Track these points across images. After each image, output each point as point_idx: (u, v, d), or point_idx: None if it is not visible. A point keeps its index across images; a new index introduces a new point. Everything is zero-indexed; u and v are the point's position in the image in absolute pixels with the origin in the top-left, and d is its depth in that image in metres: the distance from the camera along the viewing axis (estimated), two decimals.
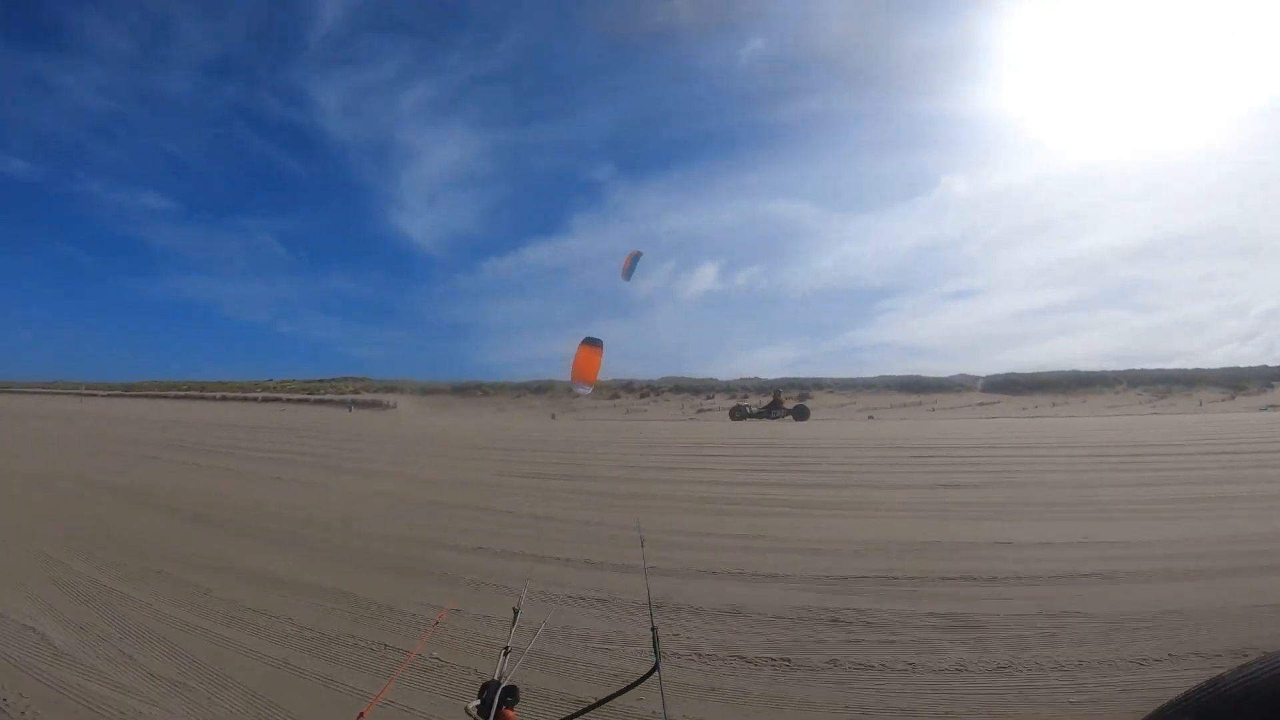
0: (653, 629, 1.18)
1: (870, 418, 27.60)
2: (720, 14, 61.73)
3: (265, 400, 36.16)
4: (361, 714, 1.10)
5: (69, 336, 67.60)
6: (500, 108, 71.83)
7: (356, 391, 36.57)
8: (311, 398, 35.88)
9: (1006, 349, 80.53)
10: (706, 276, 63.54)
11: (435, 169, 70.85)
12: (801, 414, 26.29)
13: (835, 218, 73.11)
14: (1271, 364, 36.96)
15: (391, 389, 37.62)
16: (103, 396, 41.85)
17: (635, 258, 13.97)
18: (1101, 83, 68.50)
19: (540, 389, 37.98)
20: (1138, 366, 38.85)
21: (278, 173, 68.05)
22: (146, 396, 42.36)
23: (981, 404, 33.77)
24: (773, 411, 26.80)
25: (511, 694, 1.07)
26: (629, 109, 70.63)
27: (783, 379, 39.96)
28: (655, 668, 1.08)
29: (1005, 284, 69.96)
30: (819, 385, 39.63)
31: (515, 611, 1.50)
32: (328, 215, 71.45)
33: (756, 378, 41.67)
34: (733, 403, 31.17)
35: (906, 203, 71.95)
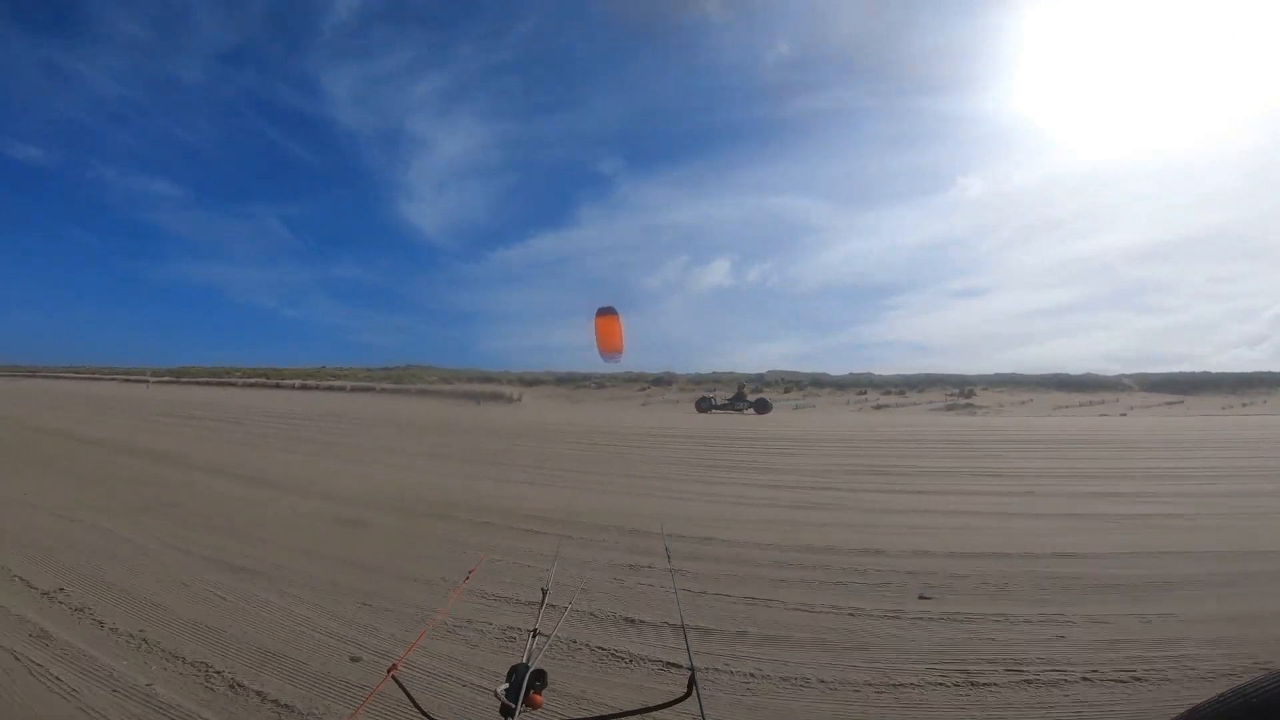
0: (690, 668, 1.06)
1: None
2: (731, 8, 63.12)
3: (354, 390, 39.36)
4: (394, 665, 1.11)
5: (76, 320, 71.97)
6: (509, 99, 74.50)
7: (447, 381, 38.21)
8: (411, 389, 37.48)
9: (1012, 348, 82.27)
10: (718, 271, 65.47)
11: (444, 158, 74.01)
12: (764, 407, 26.65)
13: (843, 213, 74.53)
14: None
15: (487, 379, 39.49)
16: (158, 384, 42.20)
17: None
18: (1114, 82, 69.07)
19: (661, 381, 39.95)
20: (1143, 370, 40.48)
21: (288, 160, 71.70)
22: (202, 383, 43.37)
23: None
24: (736, 403, 26.98)
25: (540, 678, 1.08)
26: (637, 102, 72.62)
27: (807, 373, 41.88)
28: (689, 694, 1.01)
29: (1012, 283, 71.62)
30: (817, 382, 41.71)
31: (543, 592, 1.49)
32: (336, 203, 75.14)
33: (775, 370, 43.98)
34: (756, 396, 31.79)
35: (915, 200, 73.37)
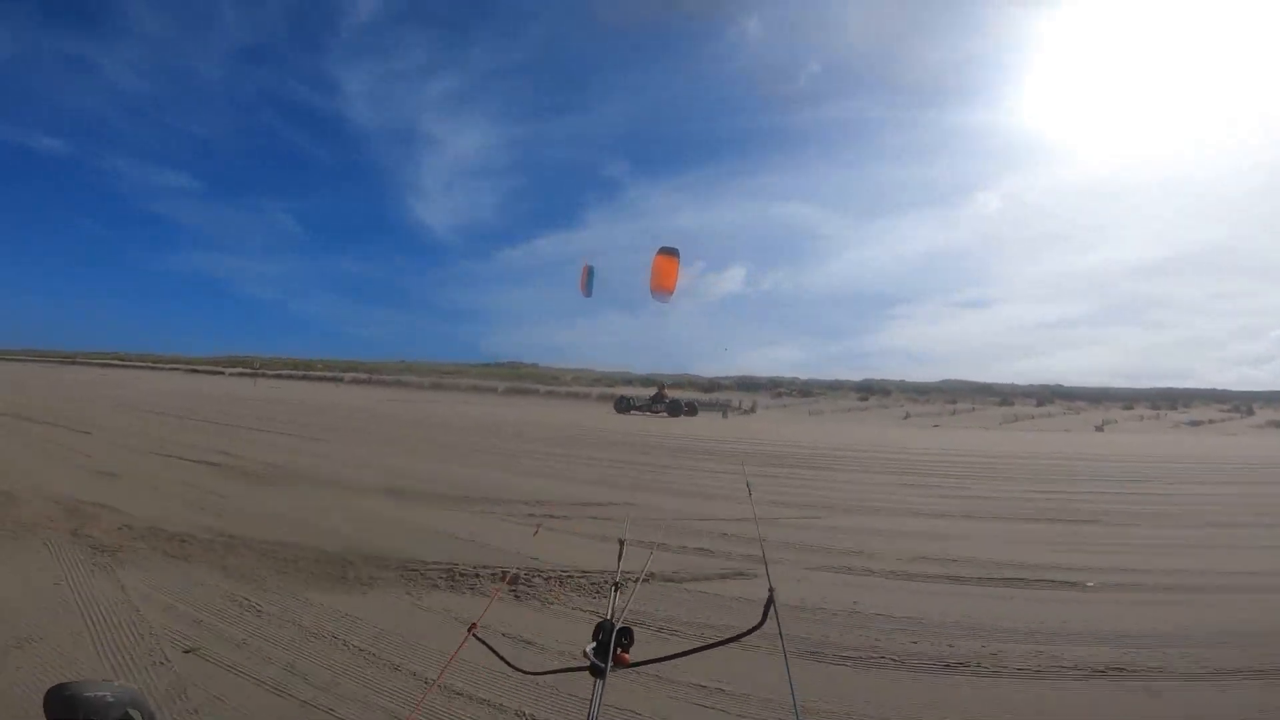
0: (770, 591, 1.04)
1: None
2: (742, 17, 62.46)
3: (434, 388, 40.36)
4: (473, 624, 1.15)
5: (85, 307, 74.55)
6: (520, 100, 75.56)
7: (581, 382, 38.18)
8: (538, 389, 37.54)
9: (1015, 360, 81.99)
10: (734, 279, 65.33)
11: (454, 158, 75.58)
12: (675, 409, 26.02)
13: (848, 222, 74.47)
14: None
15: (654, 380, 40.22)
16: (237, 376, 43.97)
17: (589, 272, 13.65)
18: (1121, 97, 68.44)
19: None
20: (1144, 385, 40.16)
21: (301, 156, 73.96)
22: (295, 378, 44.30)
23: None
24: (654, 404, 26.30)
25: (626, 635, 1.07)
26: (645, 107, 73.14)
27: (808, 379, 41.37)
28: (763, 622, 1.01)
29: (1017, 295, 70.68)
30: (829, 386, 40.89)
31: (621, 543, 1.48)
32: (347, 199, 77.51)
33: (776, 375, 43.44)
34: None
35: (922, 211, 72.94)
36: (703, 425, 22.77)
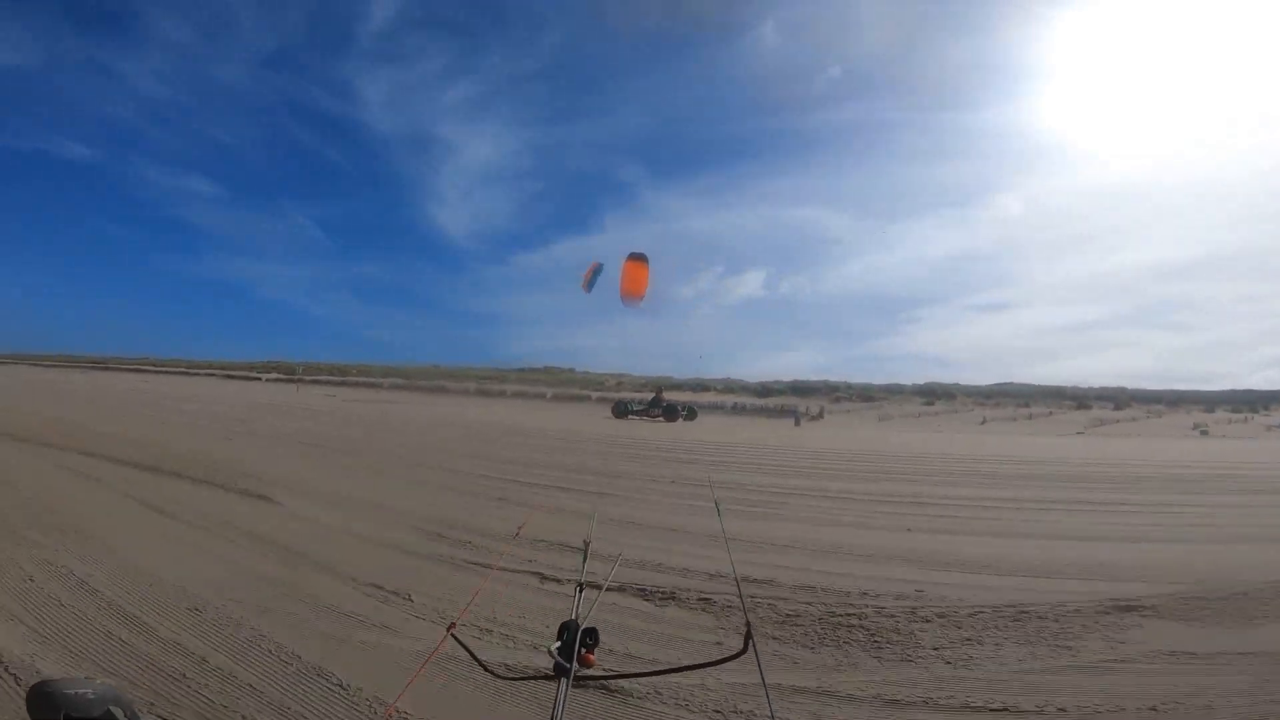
0: (746, 624, 1.03)
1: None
2: (756, 21, 61.61)
3: (479, 394, 39.22)
4: (452, 624, 1.15)
5: (112, 312, 75.68)
6: (536, 106, 75.62)
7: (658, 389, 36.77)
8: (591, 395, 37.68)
9: (1036, 364, 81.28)
10: (752, 282, 64.53)
11: (471, 163, 75.76)
12: (672, 413, 25.59)
13: (865, 226, 73.34)
14: None
15: (703, 385, 38.70)
16: (272, 382, 43.22)
17: (596, 270, 13.73)
18: (1145, 98, 66.00)
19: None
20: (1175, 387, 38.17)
21: (321, 162, 74.85)
22: (326, 382, 43.07)
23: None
24: (651, 408, 25.87)
25: (591, 636, 1.06)
26: (659, 111, 73.13)
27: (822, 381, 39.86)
28: (744, 650, 0.98)
29: (1037, 298, 69.00)
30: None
31: (585, 544, 1.45)
32: (366, 204, 78.07)
33: (795, 379, 41.82)
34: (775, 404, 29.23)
35: (939, 213, 70.98)
36: (789, 433, 21.18)
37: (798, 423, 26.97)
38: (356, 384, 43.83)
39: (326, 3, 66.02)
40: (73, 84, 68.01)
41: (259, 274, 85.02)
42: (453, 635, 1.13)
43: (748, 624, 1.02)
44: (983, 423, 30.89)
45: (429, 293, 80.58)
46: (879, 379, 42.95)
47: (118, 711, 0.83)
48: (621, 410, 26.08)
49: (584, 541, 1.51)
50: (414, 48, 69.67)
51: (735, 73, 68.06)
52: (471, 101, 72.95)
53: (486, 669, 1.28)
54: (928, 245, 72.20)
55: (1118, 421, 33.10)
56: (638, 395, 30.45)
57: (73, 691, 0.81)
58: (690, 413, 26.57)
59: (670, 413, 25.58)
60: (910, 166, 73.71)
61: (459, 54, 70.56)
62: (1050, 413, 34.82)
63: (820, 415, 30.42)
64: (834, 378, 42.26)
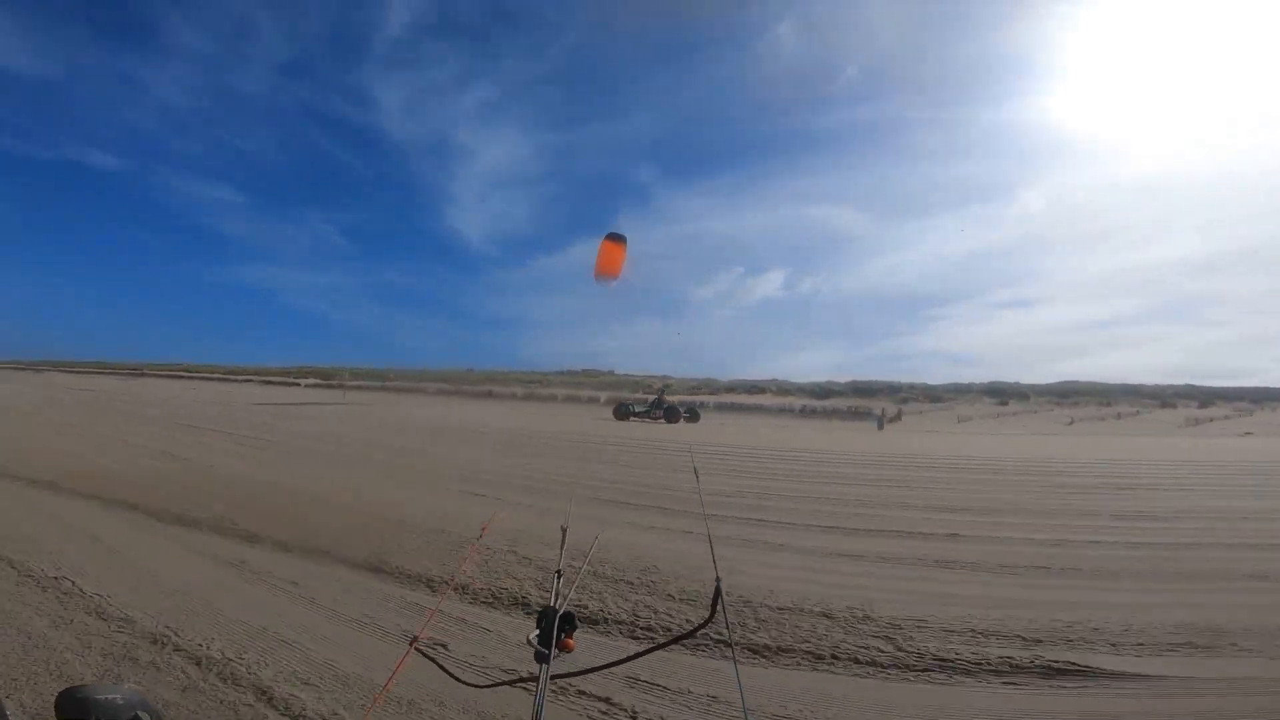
0: (717, 580, 1.02)
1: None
2: (770, 20, 60.45)
3: (529, 398, 38.25)
4: (415, 638, 1.18)
5: (140, 319, 76.64)
6: (551, 109, 75.62)
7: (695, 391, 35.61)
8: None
9: (1060, 360, 79.81)
10: (772, 283, 63.44)
11: (488, 168, 76.02)
12: (673, 415, 25.13)
13: (884, 224, 72.05)
14: None
15: (757, 387, 38.06)
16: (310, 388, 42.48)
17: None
18: (1166, 92, 63.82)
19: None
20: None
21: (341, 169, 75.61)
22: (374, 389, 41.31)
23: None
24: (653, 410, 25.44)
25: (569, 621, 1.05)
26: (673, 113, 72.70)
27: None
28: (709, 620, 1.02)
29: (1061, 294, 67.27)
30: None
31: (563, 530, 1.44)
32: (386, 210, 78.52)
33: (827, 381, 40.24)
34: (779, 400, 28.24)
35: (960, 210, 69.36)
36: (880, 438, 19.89)
37: (881, 426, 25.61)
38: (400, 389, 43.00)
39: (344, 11, 66.65)
40: (98, 94, 69.35)
41: (282, 280, 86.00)
42: (417, 648, 1.15)
43: (718, 579, 1.02)
44: (1070, 423, 29.25)
45: (449, 297, 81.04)
46: (895, 377, 41.71)
47: (145, 716, 0.84)
48: (623, 412, 25.87)
49: (561, 528, 1.44)
50: (430, 54, 70.03)
51: (750, 73, 67.11)
52: (487, 106, 73.17)
53: (458, 679, 1.24)
54: (949, 242, 70.89)
55: (1212, 420, 31.22)
56: (635, 396, 30.36)
57: (102, 697, 0.82)
58: (692, 414, 26.41)
59: (671, 414, 25.43)
60: (930, 164, 72.41)
61: (474, 59, 70.84)
62: (1136, 412, 33.02)
63: (898, 417, 29.01)
64: (858, 377, 40.93)
